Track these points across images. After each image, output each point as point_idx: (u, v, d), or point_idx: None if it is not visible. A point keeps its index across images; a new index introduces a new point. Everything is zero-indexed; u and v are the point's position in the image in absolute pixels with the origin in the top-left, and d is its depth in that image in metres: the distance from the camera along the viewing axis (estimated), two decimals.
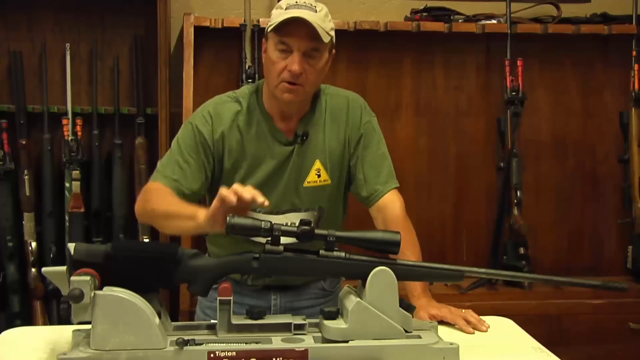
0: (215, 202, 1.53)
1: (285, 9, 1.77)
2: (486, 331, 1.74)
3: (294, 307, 1.95)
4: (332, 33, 1.80)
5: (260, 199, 1.49)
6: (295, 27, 1.74)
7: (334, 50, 1.85)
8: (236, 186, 1.51)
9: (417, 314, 1.76)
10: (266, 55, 1.83)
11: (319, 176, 1.89)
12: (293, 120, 1.88)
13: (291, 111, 1.87)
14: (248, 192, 1.50)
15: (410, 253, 1.80)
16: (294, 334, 1.48)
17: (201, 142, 1.84)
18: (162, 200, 1.77)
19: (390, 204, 1.92)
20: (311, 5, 1.77)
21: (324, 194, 1.91)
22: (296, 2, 1.77)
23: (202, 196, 1.91)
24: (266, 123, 1.87)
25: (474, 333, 1.73)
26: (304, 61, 1.76)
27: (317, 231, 1.49)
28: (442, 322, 1.73)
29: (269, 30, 1.79)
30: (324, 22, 1.77)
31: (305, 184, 1.89)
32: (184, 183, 1.82)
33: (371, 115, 1.97)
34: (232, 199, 1.49)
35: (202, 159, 1.84)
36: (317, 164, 1.89)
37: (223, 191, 1.51)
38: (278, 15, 1.77)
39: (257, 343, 1.44)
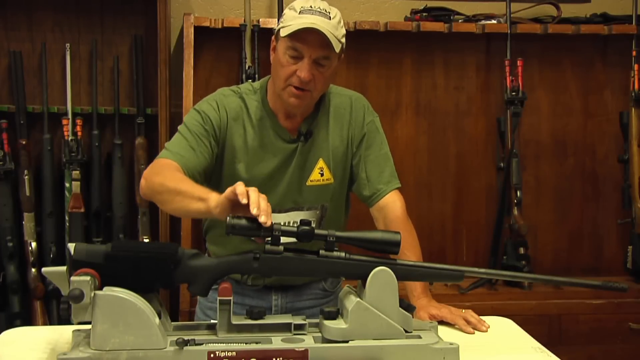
0: (229, 192, 1.49)
1: (299, 12, 1.75)
2: (486, 331, 1.74)
3: (295, 308, 1.95)
4: (344, 40, 1.79)
5: (263, 219, 1.45)
6: (308, 34, 1.73)
7: (342, 55, 1.85)
8: (253, 193, 1.47)
9: (417, 314, 1.76)
10: (275, 55, 1.81)
11: (322, 175, 1.89)
12: (297, 119, 1.88)
13: (295, 112, 1.87)
14: (256, 206, 1.45)
15: (410, 253, 1.80)
16: (294, 334, 1.48)
17: (209, 126, 1.83)
18: (173, 176, 1.71)
19: (392, 204, 1.92)
20: (325, 11, 1.76)
21: (326, 193, 1.91)
22: (311, 6, 1.76)
23: (203, 181, 1.90)
24: (270, 120, 1.87)
25: (474, 333, 1.73)
26: (314, 68, 1.76)
27: (317, 231, 1.49)
28: (442, 322, 1.74)
29: (282, 34, 1.77)
30: (337, 29, 1.76)
31: (308, 183, 1.89)
32: (192, 163, 1.77)
33: (374, 115, 1.97)
34: (243, 200, 1.46)
35: (210, 142, 1.82)
36: (321, 163, 1.89)
37: (239, 189, 1.47)
38: (291, 19, 1.75)
39: (257, 343, 1.44)
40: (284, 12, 1.82)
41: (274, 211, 1.85)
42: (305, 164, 1.88)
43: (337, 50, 1.76)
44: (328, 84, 1.86)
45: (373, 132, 1.95)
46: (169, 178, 1.71)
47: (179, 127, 1.86)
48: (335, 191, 1.93)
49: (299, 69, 1.75)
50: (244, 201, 1.45)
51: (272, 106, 1.88)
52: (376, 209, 1.93)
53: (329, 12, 1.76)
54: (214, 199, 1.56)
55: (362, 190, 1.94)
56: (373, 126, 1.95)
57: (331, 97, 1.93)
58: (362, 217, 2.05)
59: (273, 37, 1.84)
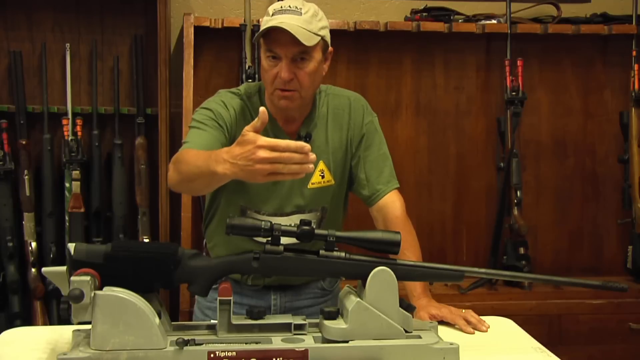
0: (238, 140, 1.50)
1: (272, 15, 1.76)
2: (486, 331, 1.74)
3: (293, 307, 1.95)
4: (323, 32, 1.78)
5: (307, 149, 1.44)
6: (279, 34, 1.73)
7: (331, 48, 1.84)
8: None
9: (417, 314, 1.76)
10: (261, 61, 1.82)
11: (322, 177, 1.90)
12: (296, 122, 1.89)
13: (293, 115, 1.87)
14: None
15: (410, 253, 1.81)
16: (294, 334, 1.48)
17: (221, 121, 1.82)
18: (187, 161, 1.67)
19: (391, 204, 1.92)
20: (296, 8, 1.76)
21: (327, 195, 1.91)
22: (281, 7, 1.76)
23: None
24: (270, 124, 1.86)
25: (474, 333, 1.73)
26: (294, 66, 1.75)
27: (317, 231, 1.49)
28: (442, 322, 1.74)
29: (256, 38, 1.79)
30: (311, 23, 1.75)
31: (310, 185, 1.89)
32: (211, 145, 1.73)
33: (373, 115, 1.97)
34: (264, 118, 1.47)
35: (224, 132, 1.81)
36: (321, 165, 1.89)
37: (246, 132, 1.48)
38: (265, 23, 1.76)
39: (257, 343, 1.44)
40: (263, 18, 1.82)
41: (276, 214, 1.87)
42: None
43: (311, 44, 1.74)
44: (316, 80, 1.83)
45: (372, 133, 1.95)
46: (187, 163, 1.67)
47: (190, 125, 1.84)
48: (335, 192, 1.93)
49: (279, 70, 1.75)
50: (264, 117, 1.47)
51: (270, 110, 1.88)
52: (376, 209, 1.94)
53: (301, 9, 1.76)
54: (223, 152, 1.54)
55: (362, 191, 1.94)
56: (372, 126, 1.95)
57: (330, 99, 1.93)
58: (362, 217, 2.05)
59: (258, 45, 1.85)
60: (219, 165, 1.52)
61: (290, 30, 1.71)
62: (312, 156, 1.45)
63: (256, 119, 1.49)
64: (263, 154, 1.44)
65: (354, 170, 1.94)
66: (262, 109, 1.50)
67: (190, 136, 1.80)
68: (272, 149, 1.44)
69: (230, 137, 1.81)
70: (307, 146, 1.44)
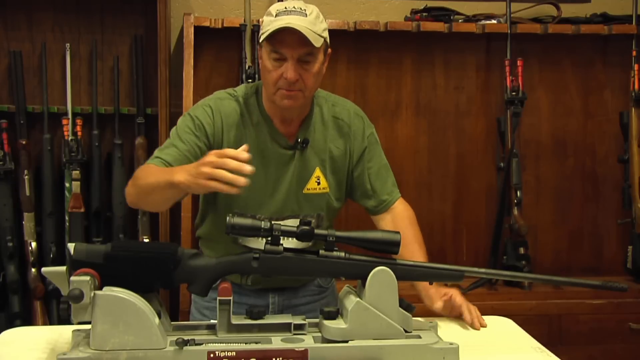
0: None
1: (275, 15, 1.76)
2: (479, 329, 1.77)
3: (292, 305, 1.95)
4: (325, 34, 1.79)
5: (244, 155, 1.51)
6: (286, 35, 1.73)
7: (329, 50, 1.85)
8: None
9: (432, 301, 1.84)
10: (262, 62, 1.82)
11: (318, 183, 1.90)
12: (294, 124, 1.88)
13: (291, 115, 1.87)
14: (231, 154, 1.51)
15: (416, 253, 1.84)
16: (294, 334, 1.49)
17: (201, 133, 1.82)
18: (145, 176, 1.73)
19: (404, 209, 1.96)
20: (300, 9, 1.76)
21: (322, 201, 1.92)
22: (285, 7, 1.76)
23: None
24: (266, 125, 1.86)
25: (470, 323, 1.77)
26: (299, 67, 1.75)
27: (316, 231, 1.50)
28: (439, 317, 1.76)
29: (260, 39, 1.78)
30: (315, 25, 1.75)
31: (305, 191, 1.89)
32: (174, 164, 1.76)
33: (372, 126, 1.99)
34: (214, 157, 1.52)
35: (200, 148, 1.80)
36: (317, 172, 1.90)
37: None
38: (268, 24, 1.76)
39: (256, 343, 1.44)
40: (263, 19, 1.83)
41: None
42: (302, 172, 1.88)
43: (318, 45, 1.75)
44: (318, 81, 1.84)
45: (374, 144, 1.96)
46: (143, 178, 1.73)
47: (171, 131, 1.86)
48: (331, 200, 1.93)
49: (284, 71, 1.75)
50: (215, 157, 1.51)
51: (267, 110, 1.88)
52: (384, 214, 1.96)
53: (305, 10, 1.76)
54: (178, 169, 1.63)
55: (368, 201, 1.95)
56: (373, 138, 1.97)
57: (329, 106, 1.93)
58: (362, 217, 2.06)
59: (258, 46, 1.85)
60: (177, 175, 1.58)
61: (301, 31, 1.71)
62: (248, 167, 1.49)
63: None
64: (210, 158, 1.51)
65: (357, 182, 1.95)
66: (244, 146, 1.56)
67: (160, 151, 1.81)
68: (216, 154, 1.51)
69: (215, 143, 1.82)
70: (243, 155, 1.50)
